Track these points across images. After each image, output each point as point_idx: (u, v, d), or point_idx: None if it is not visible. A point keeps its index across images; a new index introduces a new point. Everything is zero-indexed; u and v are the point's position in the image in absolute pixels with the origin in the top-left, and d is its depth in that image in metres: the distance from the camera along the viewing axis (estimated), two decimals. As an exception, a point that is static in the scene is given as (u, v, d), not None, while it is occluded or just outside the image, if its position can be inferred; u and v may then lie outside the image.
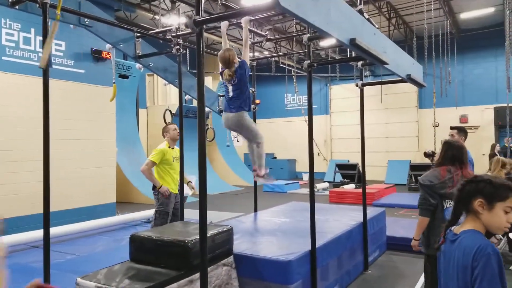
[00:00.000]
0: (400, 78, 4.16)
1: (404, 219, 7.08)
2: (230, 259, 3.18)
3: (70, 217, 7.19)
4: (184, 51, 3.84)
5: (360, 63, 4.53)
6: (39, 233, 5.79)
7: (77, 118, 7.88)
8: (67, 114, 7.65)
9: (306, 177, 16.55)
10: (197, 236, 2.96)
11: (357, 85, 4.55)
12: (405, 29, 13.61)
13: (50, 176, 3.09)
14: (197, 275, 2.81)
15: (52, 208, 7.22)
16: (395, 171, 14.68)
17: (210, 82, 14.40)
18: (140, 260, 2.95)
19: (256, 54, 16.16)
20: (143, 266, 2.87)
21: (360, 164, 14.33)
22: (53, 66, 7.47)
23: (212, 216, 7.86)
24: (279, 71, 16.05)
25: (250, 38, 5.28)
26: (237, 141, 18.65)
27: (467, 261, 1.42)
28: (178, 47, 4.04)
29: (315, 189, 12.46)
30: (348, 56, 12.81)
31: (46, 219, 2.93)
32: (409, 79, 3.94)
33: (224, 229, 3.21)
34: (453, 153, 2.94)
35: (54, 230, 5.96)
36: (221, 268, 3.08)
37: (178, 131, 4.73)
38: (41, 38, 7.20)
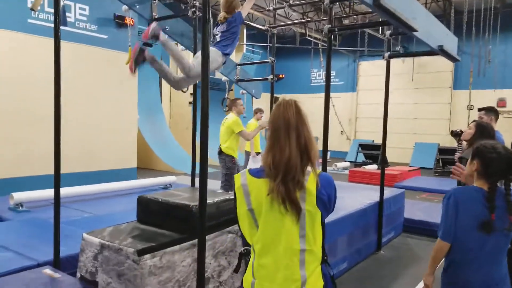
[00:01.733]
0: (430, 50, 3.88)
1: (424, 202, 6.85)
2: (236, 227, 3.11)
3: (93, 178, 7.35)
4: (201, 14, 3.63)
5: (388, 32, 4.24)
6: (61, 191, 5.96)
7: (99, 83, 7.93)
8: (89, 79, 7.70)
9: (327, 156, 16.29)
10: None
11: (383, 57, 4.27)
12: (444, 2, 12.80)
13: (61, 137, 3.09)
14: (200, 240, 2.77)
15: (78, 169, 7.51)
16: (422, 154, 14.19)
17: (233, 54, 14.15)
18: (146, 221, 2.93)
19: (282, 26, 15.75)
20: (148, 227, 2.85)
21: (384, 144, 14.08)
22: (77, 31, 7.49)
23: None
24: (305, 44, 15.59)
25: (271, 5, 5.06)
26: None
27: None
28: (194, 9, 3.87)
29: (335, 168, 12.41)
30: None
31: (57, 178, 2.94)
32: (441, 50, 3.66)
33: (230, 197, 3.13)
34: (489, 135, 2.83)
35: (76, 189, 6.15)
36: (226, 235, 3.03)
37: (244, 106, 5.29)
38: (66, 1, 7.21)
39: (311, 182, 1.41)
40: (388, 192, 5.02)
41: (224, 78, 5.53)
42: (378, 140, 15.44)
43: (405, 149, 15.13)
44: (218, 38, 3.37)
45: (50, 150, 6.78)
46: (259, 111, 6.69)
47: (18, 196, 5.25)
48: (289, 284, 1.43)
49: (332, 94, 15.30)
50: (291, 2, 4.80)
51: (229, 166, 5.11)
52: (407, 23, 2.77)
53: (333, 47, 16.09)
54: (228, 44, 3.32)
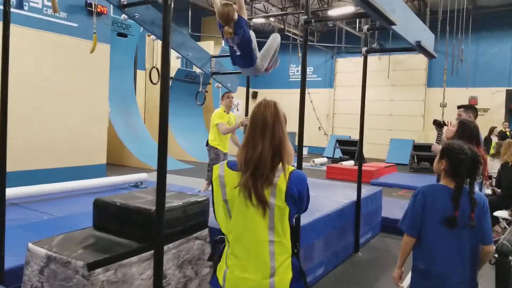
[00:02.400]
0: (408, 46, 3.76)
1: (402, 200, 6.79)
2: (205, 232, 2.90)
3: (57, 176, 6.95)
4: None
5: (365, 27, 4.08)
6: (20, 190, 5.57)
7: (67, 73, 7.50)
8: (56, 68, 7.27)
9: (305, 151, 16.24)
10: (169, 205, 2.69)
11: (361, 52, 4.12)
12: (419, 2, 12.87)
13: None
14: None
15: (38, 166, 7.09)
16: (397, 150, 14.32)
17: (211, 47, 13.83)
18: (103, 227, 2.67)
19: (262, 20, 15.52)
20: (105, 234, 2.60)
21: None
22: (46, 18, 7.04)
23: (198, 183, 7.61)
24: (284, 40, 15.43)
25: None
26: (237, 110, 18.25)
27: None
28: (164, -4, 3.59)
29: (312, 164, 12.35)
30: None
31: (1, 177, 2.59)
32: (419, 46, 3.53)
33: (199, 199, 2.91)
34: (470, 133, 2.90)
35: (36, 188, 5.76)
36: (193, 242, 2.81)
37: (232, 99, 5.41)
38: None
39: (282, 179, 1.49)
40: (366, 191, 4.91)
41: (198, 70, 5.26)
42: (355, 136, 15.47)
43: (381, 145, 15.23)
44: (238, 52, 3.24)
45: (16, 145, 6.46)
46: (226, 96, 5.57)
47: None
48: (259, 274, 1.49)
49: (309, 90, 15.32)
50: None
51: (212, 157, 5.29)
52: (386, 16, 2.60)
53: (311, 43, 16.02)
54: (251, 55, 3.21)
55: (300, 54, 16.23)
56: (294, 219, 1.82)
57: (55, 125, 7.32)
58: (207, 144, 5.40)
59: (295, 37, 14.81)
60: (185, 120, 13.31)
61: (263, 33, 17.93)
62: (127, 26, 10.62)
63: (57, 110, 7.33)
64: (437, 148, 3.54)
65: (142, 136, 11.37)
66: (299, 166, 3.31)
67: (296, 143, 3.53)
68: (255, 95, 19.30)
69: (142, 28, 10.15)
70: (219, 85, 5.49)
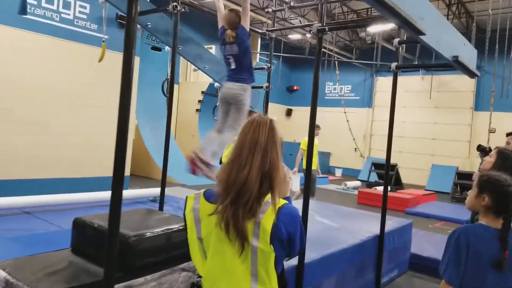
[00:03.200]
0: (445, 63, 3.29)
1: (437, 234, 6.08)
2: (192, 263, 2.56)
3: (79, 186, 6.93)
4: (183, 9, 3.16)
5: (396, 40, 3.66)
6: (33, 199, 5.54)
7: (96, 84, 7.55)
8: (86, 79, 7.34)
9: (338, 173, 15.60)
10: (152, 230, 2.40)
11: (390, 68, 3.69)
12: (466, 19, 12.08)
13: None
14: (139, 280, 2.24)
15: (61, 175, 7.11)
16: (439, 177, 13.35)
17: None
18: (80, 251, 2.42)
19: (298, 36, 15.28)
20: (79, 259, 2.33)
21: (398, 165, 13.31)
22: (76, 29, 7.16)
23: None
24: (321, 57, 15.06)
25: (270, 6, 4.57)
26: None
27: None
28: (175, 3, 3.40)
29: (344, 187, 11.73)
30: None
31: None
32: (456, 62, 3.06)
33: (187, 226, 2.58)
34: (510, 165, 2.42)
35: (51, 198, 5.72)
36: (179, 273, 2.48)
37: None
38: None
39: (268, 216, 1.24)
40: (394, 223, 4.39)
41: (216, 84, 5.03)
42: (393, 160, 14.64)
43: (421, 171, 14.33)
44: (233, 65, 3.13)
45: (20, 153, 6.51)
46: (249, 115, 5.64)
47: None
48: None
49: (347, 109, 14.70)
50: (291, 4, 4.28)
51: None
52: (410, 22, 2.20)
53: (349, 60, 15.53)
54: (248, 69, 3.10)
55: (337, 72, 15.82)
56: (283, 264, 1.50)
57: (80, 136, 7.35)
58: (220, 162, 5.17)
59: (331, 53, 14.40)
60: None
61: (300, 49, 17.71)
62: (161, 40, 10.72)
63: (82, 121, 7.37)
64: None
65: (171, 151, 11.29)
66: (306, 186, 2.90)
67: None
68: (289, 112, 18.97)
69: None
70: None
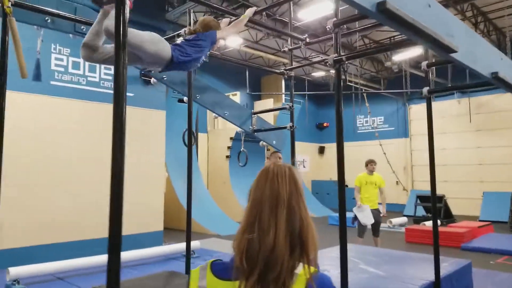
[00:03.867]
0: (483, 81, 2.95)
1: (502, 273, 5.33)
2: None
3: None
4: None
5: (424, 63, 3.37)
6: (66, 264, 5.42)
7: (126, 143, 7.62)
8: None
9: (382, 209, 14.74)
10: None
11: (422, 94, 3.38)
12: (497, 36, 11.56)
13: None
14: None
15: (91, 236, 7.04)
16: (492, 205, 12.28)
17: (271, 104, 13.70)
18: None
19: (322, 73, 15.22)
20: None
21: (446, 196, 12.41)
22: (103, 90, 7.38)
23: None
24: (345, 90, 14.81)
25: (286, 45, 4.44)
26: (304, 167, 17.61)
27: None
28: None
29: (390, 225, 10.97)
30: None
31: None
32: (496, 79, 2.71)
33: None
34: None
35: (84, 261, 5.58)
36: None
37: (280, 160, 4.68)
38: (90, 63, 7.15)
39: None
40: (449, 265, 3.86)
41: (238, 129, 4.86)
42: (439, 191, 13.70)
43: (471, 200, 13.30)
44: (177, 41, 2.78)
45: (55, 216, 6.51)
46: (273, 156, 5.04)
47: (15, 271, 4.76)
48: None
49: (382, 141, 14.14)
50: (307, 41, 4.13)
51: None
52: (438, 41, 1.93)
53: (377, 91, 15.17)
54: (185, 50, 2.52)
55: (367, 104, 15.46)
56: None
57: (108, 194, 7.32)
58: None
59: (358, 86, 14.15)
60: (248, 180, 12.96)
61: (325, 86, 17.60)
62: (179, 91, 10.94)
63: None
64: None
65: (204, 200, 11.16)
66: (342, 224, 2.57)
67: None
68: (322, 150, 18.57)
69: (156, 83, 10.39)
70: (264, 143, 5.00)
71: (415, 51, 11.17)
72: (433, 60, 3.75)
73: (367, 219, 5.93)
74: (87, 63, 7.09)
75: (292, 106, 4.36)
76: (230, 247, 1.04)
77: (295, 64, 4.66)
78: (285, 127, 4.37)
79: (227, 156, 12.77)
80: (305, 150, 17.83)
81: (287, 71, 4.35)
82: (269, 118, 13.93)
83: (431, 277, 3.39)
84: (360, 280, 3.34)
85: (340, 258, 2.23)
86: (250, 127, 4.68)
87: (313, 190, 17.54)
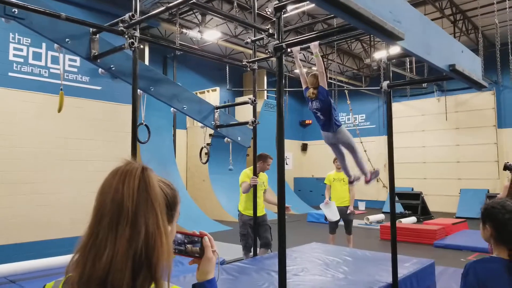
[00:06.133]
0: (443, 75, 2.82)
1: None
2: None
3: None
4: (141, 46, 2.84)
5: (384, 57, 3.22)
6: (20, 266, 5.16)
7: (92, 137, 7.36)
8: (81, 133, 7.16)
9: (362, 206, 14.74)
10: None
11: (381, 87, 3.23)
12: (476, 35, 11.56)
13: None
14: None
15: (60, 235, 6.76)
16: (469, 203, 12.34)
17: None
18: None
19: (304, 70, 15.07)
20: None
21: (424, 193, 12.43)
22: (67, 83, 7.07)
23: (226, 250, 6.78)
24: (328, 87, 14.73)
25: (248, 37, 4.25)
26: (286, 164, 17.48)
27: None
28: (132, 40, 3.10)
29: (367, 222, 10.92)
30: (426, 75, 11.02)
31: None
32: (453, 71, 2.57)
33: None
34: None
35: (34, 264, 5.31)
36: None
37: (269, 166, 4.88)
38: (53, 53, 6.85)
39: None
40: (411, 265, 3.74)
41: (200, 124, 4.65)
42: (418, 188, 13.79)
43: (449, 197, 13.36)
44: (321, 119, 3.69)
45: (18, 214, 6.18)
46: (263, 161, 4.94)
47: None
48: None
49: (363, 139, 14.00)
50: (269, 32, 3.95)
51: (240, 224, 4.89)
52: (379, 25, 1.76)
53: (359, 88, 15.11)
54: (334, 119, 3.64)
55: (349, 102, 15.39)
56: None
57: (75, 193, 7.04)
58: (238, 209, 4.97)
59: (341, 84, 14.06)
60: (226, 178, 12.76)
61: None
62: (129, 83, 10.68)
63: (79, 177, 7.09)
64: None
65: (181, 198, 10.85)
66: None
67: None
68: (304, 147, 18.47)
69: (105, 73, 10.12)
70: (229, 139, 4.81)
71: (396, 49, 11.10)
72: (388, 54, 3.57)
73: (333, 215, 5.84)
74: (49, 53, 6.78)
75: (255, 100, 4.18)
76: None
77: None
78: (246, 123, 4.17)
79: (206, 153, 12.53)
80: (287, 147, 17.70)
81: (250, 64, 4.15)
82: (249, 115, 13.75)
83: (389, 278, 3.25)
84: (313, 284, 3.19)
85: (278, 264, 2.05)
86: (212, 122, 4.48)
87: (295, 187, 17.45)
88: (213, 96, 12.29)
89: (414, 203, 11.90)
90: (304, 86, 3.74)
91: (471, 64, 2.97)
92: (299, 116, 18.56)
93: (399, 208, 12.69)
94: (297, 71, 15.54)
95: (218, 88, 12.52)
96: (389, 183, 3.30)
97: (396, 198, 12.68)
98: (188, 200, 11.02)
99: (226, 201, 12.21)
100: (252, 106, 4.24)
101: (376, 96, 15.88)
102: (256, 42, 4.15)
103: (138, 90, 3.93)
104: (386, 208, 13.69)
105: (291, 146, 17.90)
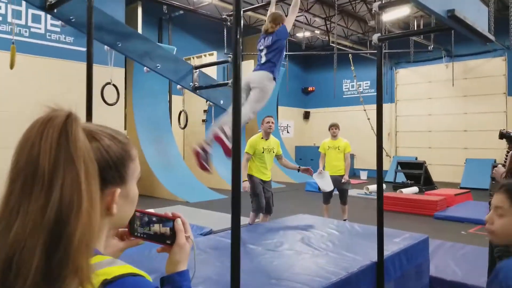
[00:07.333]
0: (441, 25, 2.39)
1: (468, 245, 4.91)
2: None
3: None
4: None
5: (376, 4, 2.78)
6: None
7: (77, 101, 7.02)
8: (64, 96, 6.82)
9: (364, 176, 14.46)
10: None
11: (371, 41, 2.81)
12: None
13: None
14: None
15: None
16: (474, 173, 12.00)
17: (251, 66, 12.99)
18: None
19: (307, 34, 14.40)
20: None
21: (429, 162, 12.07)
22: (49, 43, 6.68)
23: (217, 219, 6.57)
24: (331, 51, 14.07)
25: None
26: (288, 132, 17.14)
27: None
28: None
29: (367, 191, 10.65)
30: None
31: None
32: (452, 18, 2.15)
33: None
34: None
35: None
36: None
37: (271, 124, 4.91)
38: (34, 11, 6.41)
39: None
40: (402, 241, 3.45)
41: (178, 86, 4.28)
42: (423, 157, 13.41)
43: (455, 167, 13.01)
44: (263, 58, 3.23)
45: None
46: (266, 121, 5.01)
47: None
48: None
49: (368, 106, 13.52)
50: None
51: (251, 186, 4.93)
52: None
53: (361, 52, 14.44)
54: (275, 63, 3.17)
55: (353, 67, 14.78)
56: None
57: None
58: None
59: (345, 49, 13.42)
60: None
61: (312, 48, 16.81)
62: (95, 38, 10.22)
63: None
64: (499, 172, 2.73)
65: (176, 165, 10.70)
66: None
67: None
68: (307, 115, 18.04)
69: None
70: (210, 103, 4.45)
71: (402, 11, 10.42)
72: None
73: (326, 186, 5.57)
74: (29, 11, 6.35)
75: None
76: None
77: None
78: (226, 83, 3.80)
79: (203, 120, 12.22)
80: (289, 115, 17.29)
81: (230, 17, 3.72)
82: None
83: (375, 257, 2.96)
84: (285, 260, 2.92)
85: (231, 243, 1.75)
86: (191, 83, 4.10)
87: (297, 156, 17.17)
88: (210, 60, 11.79)
89: (416, 172, 11.59)
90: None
91: (476, 13, 2.53)
92: (302, 83, 18.00)
93: (401, 177, 12.40)
94: (300, 35, 14.90)
95: (215, 52, 11.98)
96: (377, 151, 2.94)
97: (399, 167, 12.37)
98: (184, 168, 10.80)
99: (223, 168, 11.97)
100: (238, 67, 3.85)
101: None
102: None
103: (105, 46, 3.55)
104: (388, 178, 13.39)
105: (292, 114, 17.47)
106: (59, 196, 0.60)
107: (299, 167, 5.12)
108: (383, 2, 2.77)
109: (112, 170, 0.74)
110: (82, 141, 0.64)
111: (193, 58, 12.15)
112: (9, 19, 6.07)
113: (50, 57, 6.64)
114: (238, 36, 1.87)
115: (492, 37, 2.69)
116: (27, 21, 6.44)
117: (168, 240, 0.86)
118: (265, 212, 5.04)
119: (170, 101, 11.70)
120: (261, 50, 3.26)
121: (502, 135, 2.97)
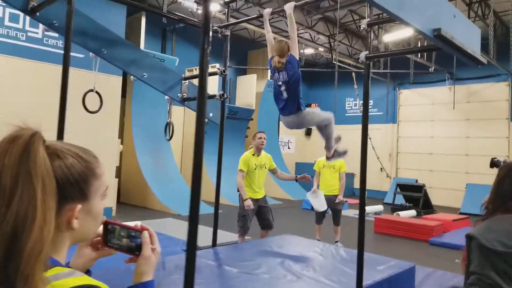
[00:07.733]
0: (428, 46, 2.27)
1: (461, 276, 4.71)
2: None
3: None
4: None
5: (365, 21, 2.68)
6: None
7: (71, 108, 6.94)
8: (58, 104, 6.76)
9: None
10: None
11: (359, 59, 2.71)
12: (494, 22, 10.67)
13: None
14: None
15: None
16: (474, 198, 11.68)
17: (254, 80, 12.95)
18: None
19: (311, 51, 14.39)
20: None
21: (429, 185, 11.86)
22: (45, 48, 6.65)
23: (205, 234, 6.36)
24: (340, 72, 14.02)
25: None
26: (288, 148, 17.02)
27: None
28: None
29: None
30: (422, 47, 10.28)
31: None
32: (438, 37, 2.04)
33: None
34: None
35: None
36: None
37: (263, 140, 4.93)
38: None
39: None
40: (386, 269, 3.28)
41: (166, 97, 4.18)
42: (423, 180, 13.18)
43: (455, 191, 12.74)
44: (284, 93, 3.21)
45: None
46: (257, 136, 5.07)
47: None
48: None
49: (369, 126, 13.43)
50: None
51: (240, 205, 4.78)
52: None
53: (358, 71, 14.37)
54: (298, 94, 3.21)
55: (356, 86, 14.72)
56: None
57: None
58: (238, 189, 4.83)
59: (348, 67, 13.37)
60: (224, 157, 12.36)
61: (317, 65, 16.80)
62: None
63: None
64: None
65: (172, 177, 10.57)
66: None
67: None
68: (308, 131, 17.91)
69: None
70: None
71: (405, 32, 10.37)
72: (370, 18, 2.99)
73: (320, 205, 5.43)
74: (27, 16, 6.34)
75: (224, 71, 3.68)
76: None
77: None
78: (214, 96, 3.69)
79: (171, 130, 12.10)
80: (290, 131, 17.16)
81: (221, 29, 3.64)
82: (253, 95, 13.21)
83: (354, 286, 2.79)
84: (259, 284, 2.76)
85: (185, 266, 1.61)
86: (179, 94, 4.02)
87: (297, 172, 16.95)
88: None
89: (416, 195, 11.36)
90: (269, 55, 3.25)
91: (466, 34, 2.42)
92: (304, 99, 17.71)
93: (400, 199, 12.17)
94: (306, 51, 14.86)
95: (217, 65, 11.94)
96: (361, 174, 2.80)
97: (398, 189, 12.16)
98: (180, 180, 10.66)
99: (220, 183, 11.83)
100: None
101: (384, 82, 15.15)
102: (229, 3, 3.60)
103: (90, 53, 3.48)
104: (387, 199, 13.17)
105: (294, 130, 17.36)
106: (15, 211, 0.63)
107: (296, 176, 5.07)
108: (372, 20, 2.68)
109: (73, 187, 0.76)
110: (42, 159, 0.68)
111: (195, 69, 12.11)
112: (6, 22, 6.07)
113: (47, 62, 6.61)
114: (206, 45, 1.76)
115: (484, 60, 2.57)
116: (25, 25, 6.43)
117: (136, 251, 0.91)
118: (265, 228, 4.88)
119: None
120: (279, 86, 3.23)
121: (493, 164, 2.83)
